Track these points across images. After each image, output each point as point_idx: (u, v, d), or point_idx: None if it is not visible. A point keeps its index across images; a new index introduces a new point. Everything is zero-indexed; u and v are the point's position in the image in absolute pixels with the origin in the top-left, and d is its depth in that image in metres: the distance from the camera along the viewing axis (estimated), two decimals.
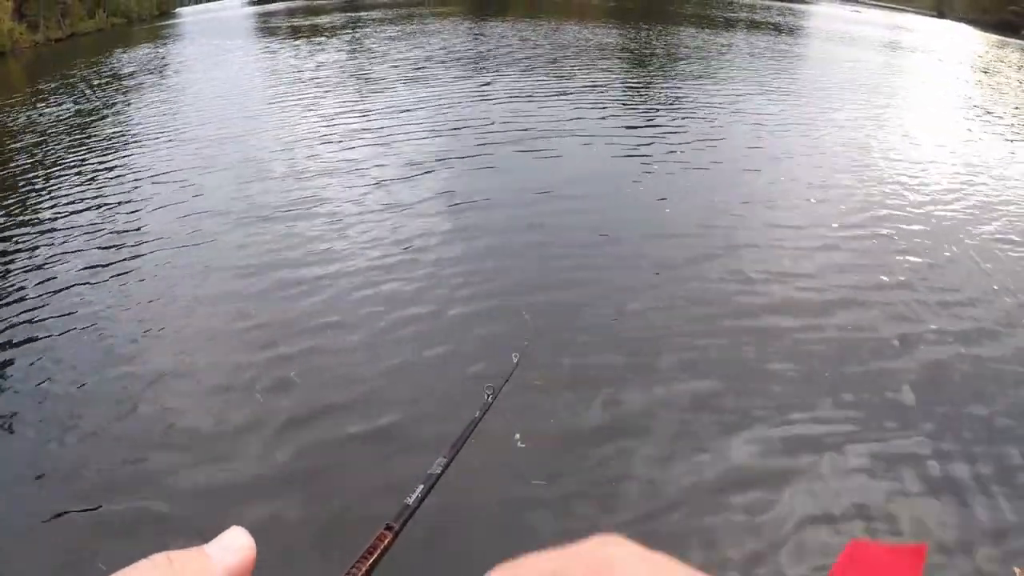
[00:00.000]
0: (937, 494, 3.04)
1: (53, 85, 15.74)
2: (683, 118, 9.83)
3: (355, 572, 0.55)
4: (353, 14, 28.03)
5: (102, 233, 6.28)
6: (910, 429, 3.43)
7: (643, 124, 9.43)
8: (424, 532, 2.60)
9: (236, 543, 0.31)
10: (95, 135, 10.23)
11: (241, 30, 25.83)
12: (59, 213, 6.89)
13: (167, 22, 34.74)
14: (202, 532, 0.33)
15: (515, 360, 1.60)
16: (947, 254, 5.58)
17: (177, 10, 45.78)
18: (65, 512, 3.03)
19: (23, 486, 3.24)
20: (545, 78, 12.61)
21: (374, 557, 0.58)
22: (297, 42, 20.60)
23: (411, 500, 0.72)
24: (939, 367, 4.01)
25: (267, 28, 25.79)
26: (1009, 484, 3.09)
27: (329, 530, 2.80)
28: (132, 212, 6.77)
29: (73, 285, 5.24)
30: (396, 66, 14.27)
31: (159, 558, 0.27)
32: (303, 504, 2.97)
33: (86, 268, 5.54)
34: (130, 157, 8.86)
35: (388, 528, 0.64)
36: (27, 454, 3.46)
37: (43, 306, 4.97)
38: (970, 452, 3.29)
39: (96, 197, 7.31)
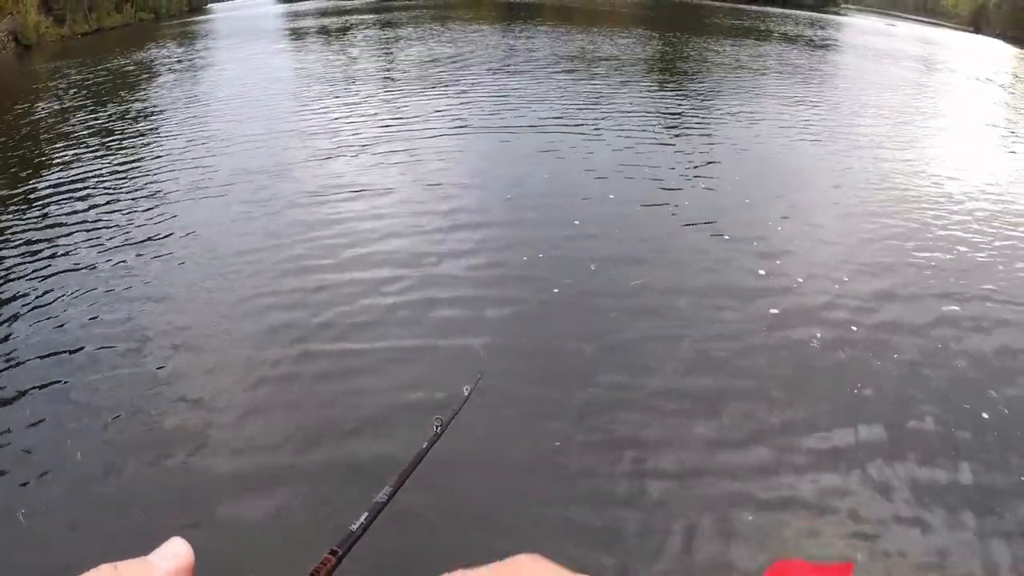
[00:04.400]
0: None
1: (76, 79, 15.76)
2: (699, 132, 9.48)
3: None
4: (382, 15, 28.02)
5: (118, 224, 6.33)
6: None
7: (654, 137, 9.09)
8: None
9: (176, 551, 0.34)
10: (113, 130, 10.15)
11: (269, 29, 25.89)
12: (76, 207, 6.87)
13: (195, 18, 34.97)
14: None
15: (466, 392, 1.58)
16: (971, 278, 5.34)
17: (209, 6, 46.00)
18: (79, 510, 3.01)
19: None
20: (563, 85, 12.31)
21: None
22: (324, 42, 20.57)
23: (355, 527, 0.73)
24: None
25: (295, 28, 25.83)
26: None
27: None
28: (151, 206, 6.79)
29: (86, 269, 5.36)
30: (415, 68, 14.08)
31: (105, 568, 0.30)
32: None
33: (100, 258, 5.62)
34: (149, 151, 8.82)
35: (332, 552, 0.66)
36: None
37: (62, 292, 5.01)
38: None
39: (113, 190, 7.29)
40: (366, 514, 0.77)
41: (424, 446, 1.11)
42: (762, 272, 5.19)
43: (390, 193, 6.82)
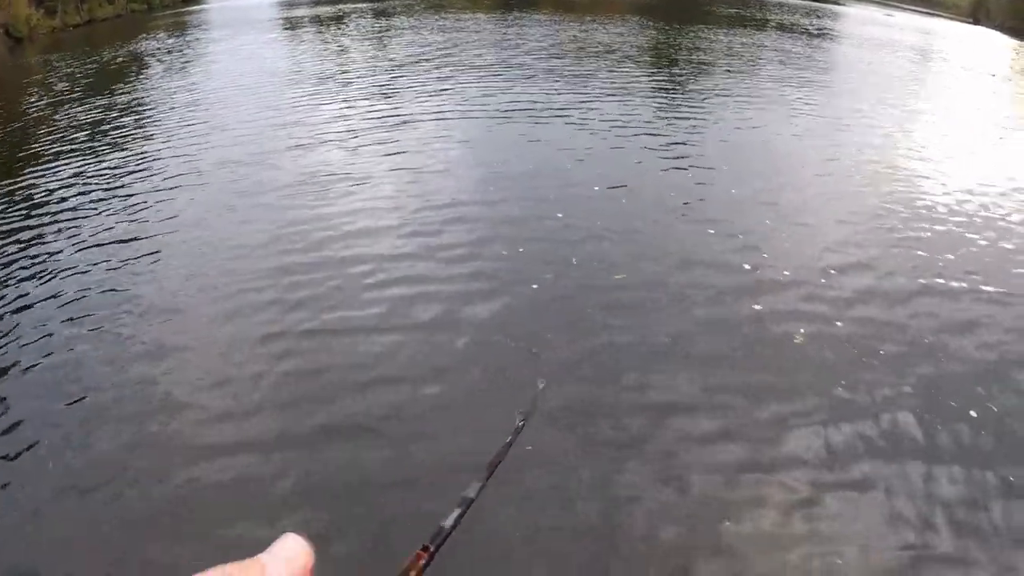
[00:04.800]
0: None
1: (67, 71, 15.65)
2: (688, 121, 9.43)
3: None
4: (375, 3, 27.83)
5: (108, 212, 6.35)
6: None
7: (642, 127, 9.03)
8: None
9: (292, 551, 0.29)
10: (104, 121, 10.11)
11: (262, 19, 25.67)
12: (67, 195, 6.86)
13: (188, 8, 34.67)
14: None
15: (540, 386, 1.75)
16: (964, 272, 5.30)
17: None
18: (99, 512, 2.92)
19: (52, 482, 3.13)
20: (554, 74, 12.22)
21: None
22: (316, 31, 20.45)
23: (447, 523, 0.73)
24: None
25: (287, 17, 25.64)
26: None
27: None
28: (138, 192, 6.82)
29: (79, 265, 5.28)
30: (406, 57, 13.97)
31: (214, 573, 0.26)
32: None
33: (87, 245, 5.62)
34: (141, 143, 8.82)
35: (424, 549, 0.65)
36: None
37: (50, 285, 4.97)
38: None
39: (105, 182, 7.26)
40: (457, 510, 0.77)
41: (508, 439, 1.14)
42: (747, 266, 5.17)
43: (371, 180, 6.82)
